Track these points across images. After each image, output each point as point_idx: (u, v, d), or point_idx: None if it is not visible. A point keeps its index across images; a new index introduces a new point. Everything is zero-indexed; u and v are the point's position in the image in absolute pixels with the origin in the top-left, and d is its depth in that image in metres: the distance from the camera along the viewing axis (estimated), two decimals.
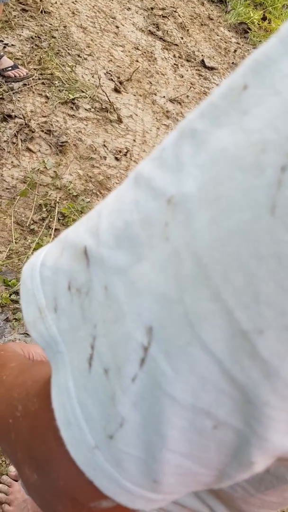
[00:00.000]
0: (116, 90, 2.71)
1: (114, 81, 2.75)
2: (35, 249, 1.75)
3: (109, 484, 0.20)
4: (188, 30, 3.73)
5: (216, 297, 0.16)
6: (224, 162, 0.17)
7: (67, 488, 0.23)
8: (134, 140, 2.46)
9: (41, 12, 2.84)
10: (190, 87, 3.11)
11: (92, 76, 2.68)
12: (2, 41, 2.50)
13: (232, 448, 0.19)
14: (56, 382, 0.21)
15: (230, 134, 0.17)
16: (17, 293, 1.62)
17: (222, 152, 0.17)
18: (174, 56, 3.36)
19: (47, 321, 0.22)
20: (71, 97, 2.43)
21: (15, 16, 2.70)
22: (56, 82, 2.46)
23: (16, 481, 1.26)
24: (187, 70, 3.30)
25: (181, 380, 0.17)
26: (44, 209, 1.91)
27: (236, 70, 0.19)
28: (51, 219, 1.88)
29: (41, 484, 0.24)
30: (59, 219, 1.91)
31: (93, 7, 3.26)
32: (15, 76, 2.29)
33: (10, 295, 1.60)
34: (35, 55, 2.54)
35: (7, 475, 1.27)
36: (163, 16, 3.68)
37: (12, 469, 1.28)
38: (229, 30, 4.02)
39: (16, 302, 1.60)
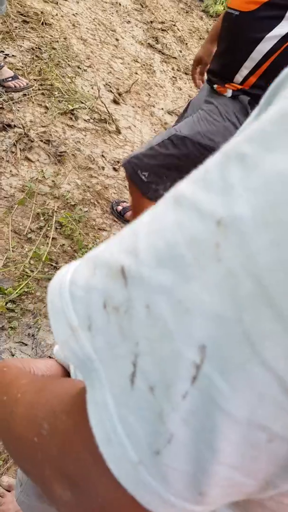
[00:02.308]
0: (115, 102, 2.74)
1: (113, 93, 2.78)
2: (32, 258, 1.76)
3: (152, 498, 0.20)
4: (186, 43, 3.78)
5: (279, 317, 0.17)
6: (282, 186, 0.17)
7: (105, 504, 0.23)
8: (132, 151, 2.48)
9: (42, 24, 2.88)
10: (188, 100, 3.15)
11: (92, 88, 2.71)
12: (3, 52, 2.53)
13: (285, 459, 0.19)
14: (92, 399, 0.21)
15: (286, 159, 0.17)
16: (13, 301, 1.62)
17: (278, 176, 0.17)
18: (173, 69, 3.40)
19: (81, 340, 0.22)
20: (71, 107, 2.45)
21: (16, 27, 2.73)
22: (56, 93, 2.48)
23: (9, 491, 1.24)
24: (185, 83, 3.33)
25: (237, 396, 0.18)
26: (42, 218, 1.91)
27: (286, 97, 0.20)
28: (48, 228, 1.89)
29: (76, 502, 0.24)
30: (56, 228, 1.92)
31: (93, 19, 3.30)
32: (15, 87, 2.31)
33: (6, 303, 1.60)
34: (35, 66, 2.57)
35: (0, 485, 1.25)
36: (162, 30, 3.73)
37: (5, 480, 1.26)
38: None
39: (12, 310, 1.59)
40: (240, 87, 1.25)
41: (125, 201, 2.17)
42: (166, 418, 0.19)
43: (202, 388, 0.18)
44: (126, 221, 2.10)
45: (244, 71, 1.21)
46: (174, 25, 3.89)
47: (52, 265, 1.77)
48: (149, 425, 0.19)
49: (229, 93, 1.28)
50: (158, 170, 1.37)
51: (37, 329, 1.60)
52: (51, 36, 2.85)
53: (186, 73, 3.44)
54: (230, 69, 1.24)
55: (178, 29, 3.88)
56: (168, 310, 0.19)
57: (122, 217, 2.11)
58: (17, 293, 1.63)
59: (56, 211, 1.96)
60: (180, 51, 3.64)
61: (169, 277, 0.19)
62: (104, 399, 0.21)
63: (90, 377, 0.22)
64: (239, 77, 1.23)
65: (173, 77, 3.32)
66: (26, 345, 1.55)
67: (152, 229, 0.21)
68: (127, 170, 1.45)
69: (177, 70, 3.41)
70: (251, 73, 1.20)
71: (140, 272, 0.20)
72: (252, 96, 1.25)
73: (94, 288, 0.22)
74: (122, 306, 0.20)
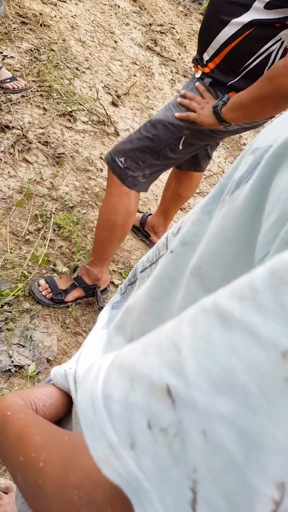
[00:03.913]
0: (114, 104, 2.75)
1: (111, 95, 2.78)
2: (30, 260, 1.75)
3: None
4: (185, 46, 3.79)
5: None
6: None
7: None
8: None
9: (41, 25, 2.88)
10: None
11: (90, 89, 2.71)
12: (2, 53, 2.53)
13: None
14: None
15: None
16: (10, 303, 1.62)
17: None
18: (171, 71, 3.40)
19: (123, 459, 0.21)
20: (69, 109, 2.45)
21: (14, 28, 2.73)
22: (54, 94, 2.48)
23: (6, 493, 1.24)
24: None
25: None
26: (40, 220, 1.91)
27: None
28: (46, 230, 1.89)
29: None
30: (54, 230, 1.91)
31: (92, 21, 3.31)
32: (13, 88, 2.31)
33: (3, 306, 1.60)
34: (34, 67, 2.57)
35: None
36: (161, 32, 3.74)
37: (1, 482, 1.26)
38: None
39: (9, 312, 1.59)
40: (206, 70, 1.32)
41: None
42: None
43: None
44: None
45: (210, 50, 1.27)
46: (173, 27, 3.90)
47: (49, 266, 1.77)
48: None
49: (198, 73, 1.35)
50: (133, 153, 1.41)
51: (34, 331, 1.60)
52: (50, 37, 2.86)
53: (184, 76, 3.44)
54: (202, 45, 1.31)
55: (177, 32, 3.89)
56: (232, 441, 0.18)
57: None
58: (13, 295, 1.63)
59: (54, 213, 1.96)
60: (179, 54, 3.65)
61: (229, 405, 0.18)
62: None
63: (138, 496, 0.21)
64: (206, 56, 1.30)
65: (171, 79, 3.32)
66: (23, 346, 1.54)
67: (198, 348, 0.20)
68: (107, 159, 1.49)
69: (176, 72, 3.41)
70: (216, 54, 1.27)
71: (191, 396, 0.19)
72: (213, 79, 1.31)
73: (134, 405, 0.22)
74: (171, 428, 0.20)
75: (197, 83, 1.35)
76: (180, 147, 1.39)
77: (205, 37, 1.29)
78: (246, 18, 1.15)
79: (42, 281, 1.67)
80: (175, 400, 0.20)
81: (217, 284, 0.32)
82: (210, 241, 0.34)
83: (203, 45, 1.30)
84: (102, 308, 1.74)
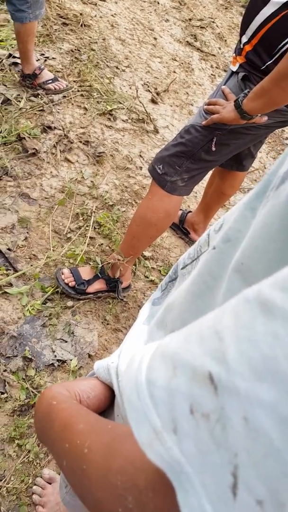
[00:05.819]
0: (153, 101, 2.75)
1: (151, 92, 2.79)
2: (70, 257, 1.80)
3: None
4: (225, 40, 3.74)
5: None
6: None
7: None
8: None
9: (81, 25, 2.92)
10: None
11: (130, 88, 2.73)
12: (44, 55, 2.59)
13: None
14: (187, 504, 0.21)
15: None
16: (53, 299, 1.67)
17: None
18: (212, 66, 3.37)
19: (166, 443, 0.22)
20: (109, 108, 2.48)
21: (56, 30, 2.79)
22: (95, 94, 2.52)
23: (50, 483, 1.28)
24: None
25: None
26: (81, 218, 1.95)
27: None
28: (87, 228, 1.93)
29: None
30: (94, 228, 1.95)
31: (132, 19, 3.32)
32: (55, 89, 2.37)
33: (46, 302, 1.65)
34: (75, 67, 2.62)
35: (41, 477, 1.30)
36: (201, 27, 3.70)
37: (45, 472, 1.30)
38: None
39: (53, 308, 1.64)
40: (243, 55, 1.29)
41: None
42: None
43: None
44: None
45: (249, 32, 1.26)
46: (213, 21, 3.86)
47: (89, 264, 1.81)
48: None
49: (235, 66, 1.34)
50: (170, 159, 1.45)
51: (76, 327, 1.64)
52: (90, 37, 2.89)
53: (225, 70, 3.40)
54: (243, 28, 1.29)
55: (217, 26, 3.84)
56: (273, 427, 0.18)
57: None
58: (54, 291, 1.68)
59: (94, 211, 2.00)
60: (219, 48, 3.60)
61: (270, 391, 0.19)
62: (201, 505, 0.20)
63: (179, 479, 0.21)
64: (244, 38, 1.28)
65: (211, 74, 3.29)
66: (66, 342, 1.59)
67: (240, 336, 0.21)
68: (148, 168, 1.55)
69: (216, 67, 3.38)
70: (253, 35, 1.25)
71: (233, 382, 0.20)
72: (249, 62, 1.29)
73: (177, 391, 0.22)
74: (213, 414, 0.20)
75: (223, 86, 1.36)
76: (213, 148, 1.40)
77: (246, 19, 1.28)
78: None
79: (65, 270, 1.70)
80: (217, 386, 0.20)
81: (260, 280, 0.33)
82: (253, 237, 0.35)
83: (243, 27, 1.29)
84: (123, 300, 1.76)
